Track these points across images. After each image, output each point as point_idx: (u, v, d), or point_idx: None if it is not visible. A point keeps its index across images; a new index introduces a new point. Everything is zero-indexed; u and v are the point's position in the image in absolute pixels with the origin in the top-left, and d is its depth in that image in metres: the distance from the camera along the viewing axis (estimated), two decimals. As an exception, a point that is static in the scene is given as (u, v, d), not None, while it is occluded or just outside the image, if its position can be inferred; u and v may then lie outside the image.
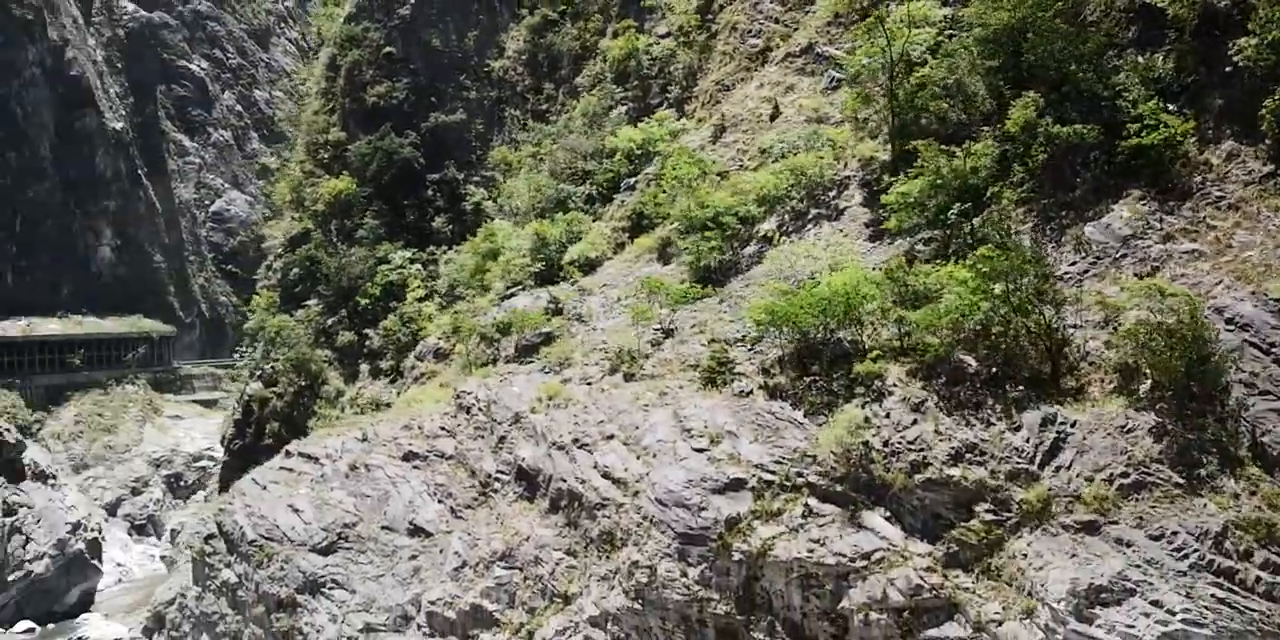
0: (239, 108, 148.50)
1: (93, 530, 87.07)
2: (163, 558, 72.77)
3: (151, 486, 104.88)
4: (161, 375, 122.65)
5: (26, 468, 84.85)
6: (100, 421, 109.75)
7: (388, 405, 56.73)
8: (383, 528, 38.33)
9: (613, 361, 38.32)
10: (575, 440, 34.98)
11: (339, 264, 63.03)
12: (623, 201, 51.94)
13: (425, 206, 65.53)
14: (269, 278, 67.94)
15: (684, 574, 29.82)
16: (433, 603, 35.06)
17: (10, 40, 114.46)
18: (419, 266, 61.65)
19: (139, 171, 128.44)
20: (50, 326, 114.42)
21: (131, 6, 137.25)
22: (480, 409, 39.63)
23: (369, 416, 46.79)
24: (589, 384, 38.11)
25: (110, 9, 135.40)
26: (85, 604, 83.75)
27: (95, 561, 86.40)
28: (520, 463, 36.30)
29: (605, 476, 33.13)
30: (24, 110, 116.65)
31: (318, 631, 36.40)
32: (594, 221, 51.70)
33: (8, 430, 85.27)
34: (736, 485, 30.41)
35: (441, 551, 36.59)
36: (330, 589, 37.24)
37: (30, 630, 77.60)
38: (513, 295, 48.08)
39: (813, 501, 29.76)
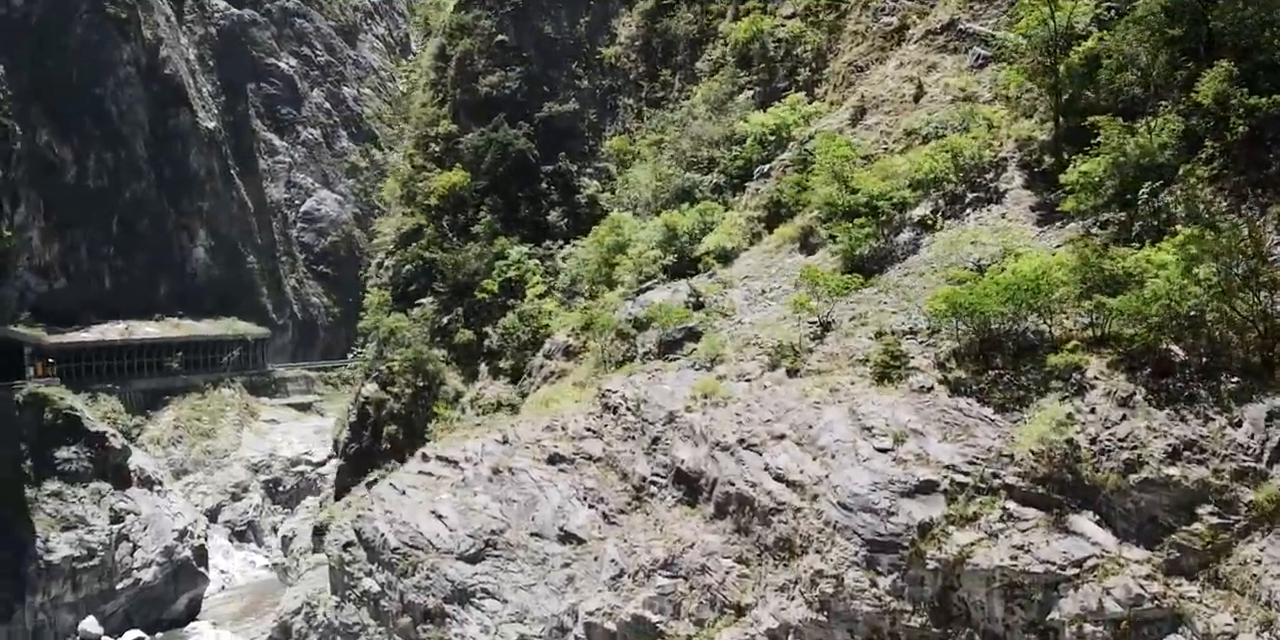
0: (327, 106, 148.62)
1: (199, 537, 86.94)
2: (274, 566, 72.00)
3: (251, 492, 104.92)
4: (256, 378, 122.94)
5: (133, 474, 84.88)
6: (198, 426, 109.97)
7: (511, 407, 55.30)
8: (531, 534, 36.67)
9: (772, 357, 36.28)
10: (741, 441, 32.99)
11: (455, 261, 61.61)
12: (757, 189, 49.75)
13: (539, 200, 63.91)
14: (379, 276, 66.80)
15: (874, 584, 27.74)
16: (590, 613, 33.28)
17: (105, 39, 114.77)
18: (536, 262, 59.98)
19: (231, 170, 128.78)
20: (148, 329, 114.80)
21: (223, 4, 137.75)
22: (628, 408, 37.80)
23: (505, 417, 45.25)
24: (748, 381, 36.09)
25: (202, 7, 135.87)
26: (192, 612, 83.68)
27: (202, 569, 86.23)
28: (679, 465, 34.39)
29: (778, 479, 31.10)
30: (119, 109, 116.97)
31: (469, 643, 34.82)
32: (725, 211, 49.53)
33: (114, 436, 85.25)
34: (927, 488, 28.25)
35: (596, 559, 34.82)
36: (480, 599, 35.67)
37: (140, 640, 77.48)
38: (648, 289, 46.14)
39: (1011, 505, 27.51)
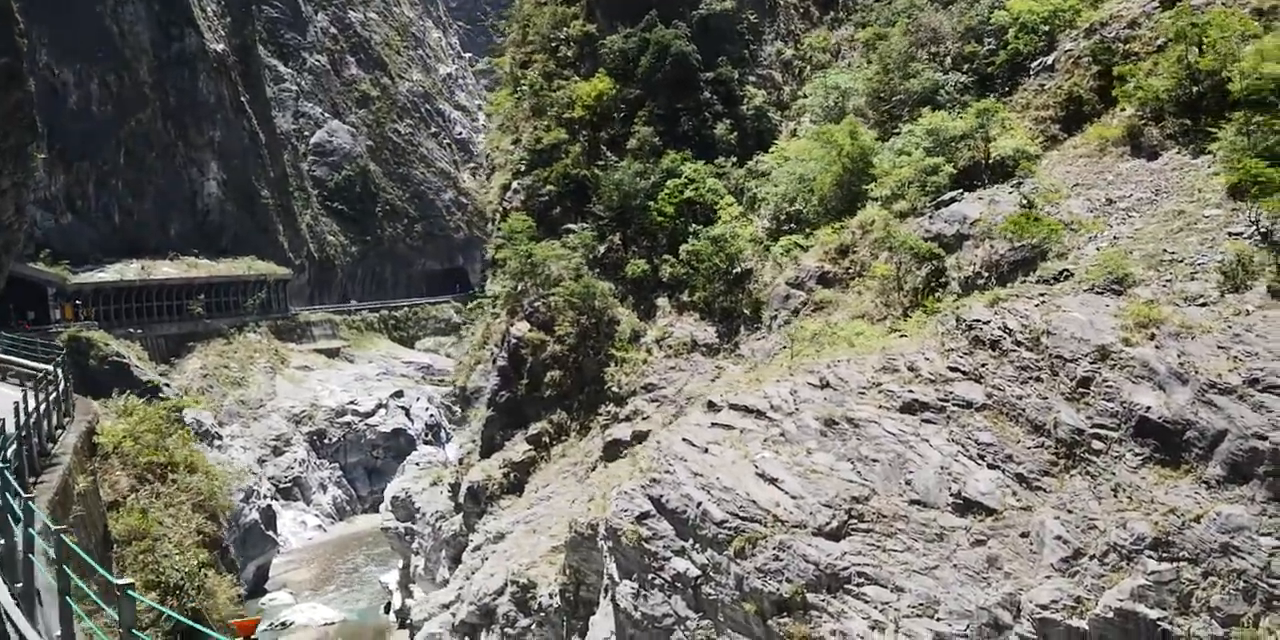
0: (334, 30, 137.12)
1: (265, 497, 77.89)
2: (385, 529, 63.40)
3: (294, 445, 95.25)
4: (281, 323, 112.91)
5: (189, 428, 75.30)
6: (228, 374, 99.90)
7: (708, 347, 47.18)
8: (911, 502, 28.73)
9: (1227, 274, 28.45)
10: (1253, 382, 25.22)
11: (613, 180, 52.79)
12: (1041, 86, 41.70)
13: (702, 111, 55.12)
14: (509, 200, 57.69)
15: None
16: (1044, 607, 25.51)
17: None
18: (715, 180, 51.41)
19: (242, 98, 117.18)
20: (165, 269, 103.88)
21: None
22: (1018, 342, 29.81)
23: (787, 358, 36.93)
24: (1203, 305, 28.24)
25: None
26: (260, 580, 74.68)
27: (270, 533, 77.31)
28: (1141, 413, 26.53)
29: (1344, 431, 23.42)
30: (120, 29, 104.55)
31: (854, 644, 26.91)
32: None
33: (166, 385, 75.57)
34: None
35: (1025, 536, 27.00)
36: (860, 585, 27.72)
37: (215, 612, 68.47)
38: (951, 201, 37.96)
39: None
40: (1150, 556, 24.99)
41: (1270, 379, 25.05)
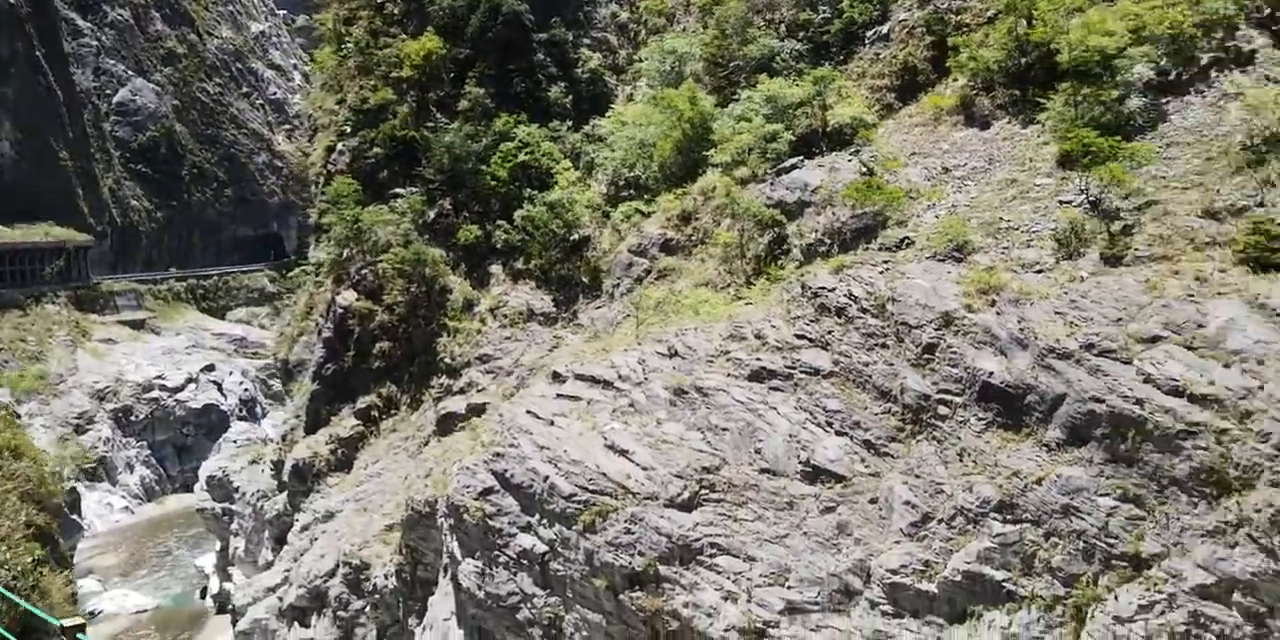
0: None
1: (69, 479, 73.06)
2: (201, 511, 60.25)
3: (98, 423, 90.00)
4: (82, 293, 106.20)
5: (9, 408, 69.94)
6: (25, 348, 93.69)
7: (546, 316, 46.18)
8: (761, 471, 28.54)
9: (1061, 242, 29.09)
10: (1089, 346, 25.79)
11: (444, 143, 50.97)
12: (876, 55, 41.97)
13: (535, 73, 53.70)
14: (333, 163, 55.05)
15: (1377, 524, 21.38)
16: (894, 571, 25.72)
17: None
18: (550, 144, 50.22)
19: (37, 53, 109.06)
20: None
21: None
22: (864, 310, 29.86)
23: (632, 327, 36.22)
24: (1040, 271, 28.81)
25: None
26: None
27: (75, 516, 72.45)
28: (984, 378, 26.89)
29: (1176, 393, 24.13)
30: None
31: (708, 615, 26.62)
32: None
33: (-46, 359, 70.14)
34: None
35: (874, 502, 27.14)
36: (711, 556, 27.41)
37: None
38: (792, 168, 37.83)
39: None
40: (995, 519, 25.40)
41: (1106, 344, 25.68)
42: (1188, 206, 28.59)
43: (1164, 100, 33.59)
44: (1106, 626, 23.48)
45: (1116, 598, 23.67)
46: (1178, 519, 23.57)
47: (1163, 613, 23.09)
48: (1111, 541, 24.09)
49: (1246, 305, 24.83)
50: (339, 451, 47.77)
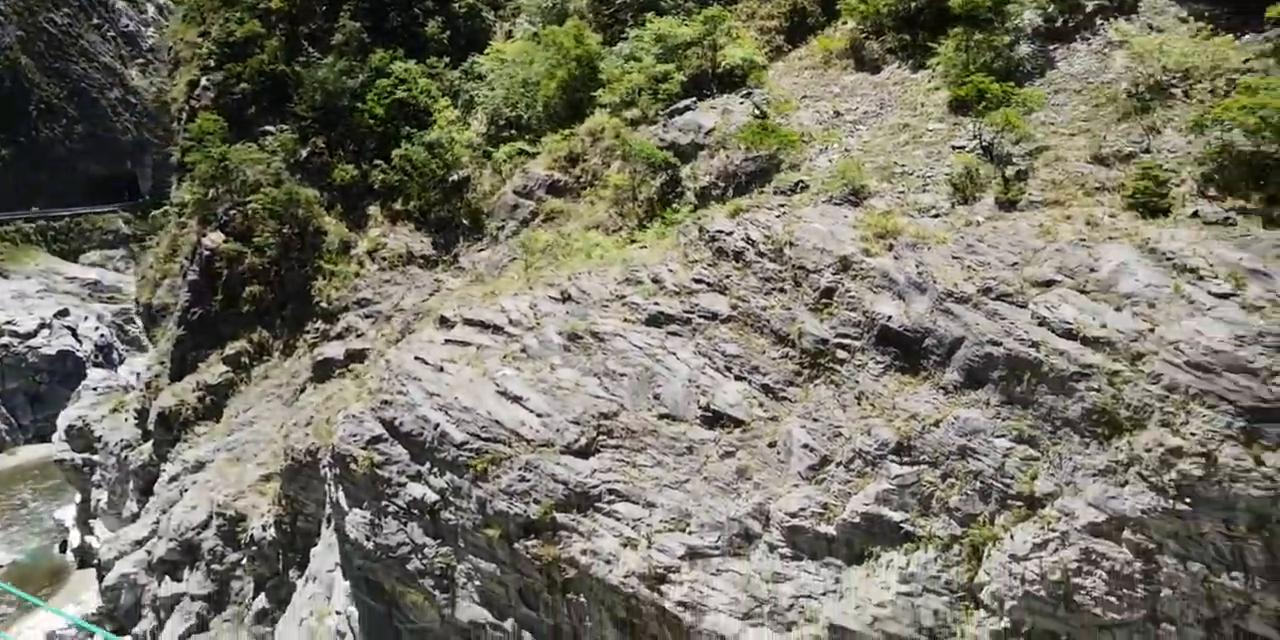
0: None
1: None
2: (59, 462, 57.46)
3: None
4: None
5: None
6: None
7: (426, 259, 44.90)
8: (660, 416, 28.20)
9: (957, 186, 29.19)
10: (986, 290, 25.98)
11: (316, 78, 48.78)
12: (767, -6, 41.43)
13: (412, 6, 51.65)
14: (197, 98, 52.21)
15: (1259, 462, 22.08)
16: (793, 514, 25.77)
17: None
18: (428, 80, 48.48)
19: None
20: None
21: None
22: (762, 253, 29.55)
23: (521, 270, 35.25)
24: (937, 216, 28.87)
25: None
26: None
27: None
28: (883, 322, 26.90)
29: (1070, 336, 24.51)
30: None
31: (607, 562, 26.35)
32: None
33: None
34: (1304, 341, 22.70)
35: (773, 446, 27.07)
36: (610, 502, 27.08)
37: None
38: (685, 110, 37.13)
39: None
40: (893, 461, 25.58)
41: (1003, 288, 25.90)
42: (1077, 152, 28.94)
43: (1051, 47, 33.91)
44: (1002, 565, 23.96)
45: (1012, 537, 24.14)
46: (1071, 459, 24.05)
47: (1056, 551, 23.62)
48: (1007, 482, 24.49)
49: (1137, 249, 25.26)
50: (208, 399, 45.94)
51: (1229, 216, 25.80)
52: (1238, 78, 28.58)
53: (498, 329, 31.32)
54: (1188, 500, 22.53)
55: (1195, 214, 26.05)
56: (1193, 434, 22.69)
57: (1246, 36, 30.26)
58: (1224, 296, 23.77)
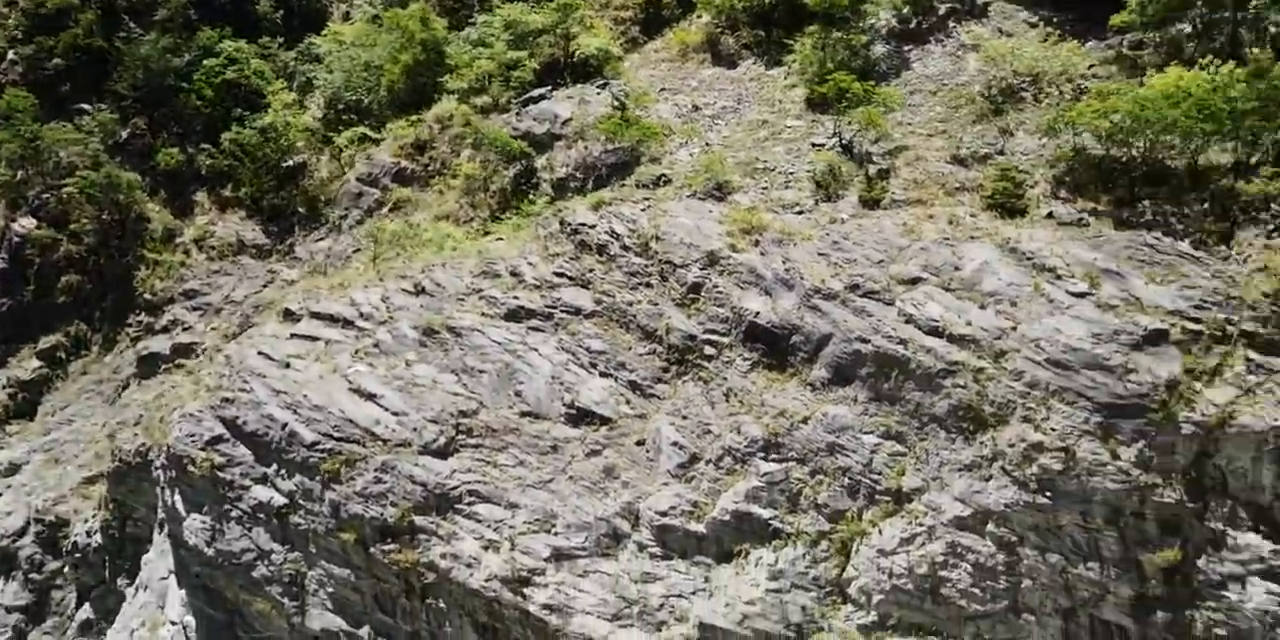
0: None
1: None
2: None
3: None
4: None
5: None
6: None
7: (257, 248, 42.80)
8: (522, 414, 27.38)
9: (821, 183, 29.33)
10: (853, 287, 26.15)
11: (138, 54, 45.87)
12: (619, -15, 40.94)
13: (242, -17, 49.14)
14: (4, 73, 48.31)
15: (1115, 456, 22.87)
16: (663, 513, 25.42)
17: None
18: (261, 61, 46.18)
19: None
20: None
21: None
22: (629, 247, 29.03)
23: (368, 261, 33.71)
24: (800, 212, 28.92)
25: None
26: None
27: None
28: (750, 318, 26.75)
29: (936, 333, 24.88)
30: None
31: (468, 566, 25.48)
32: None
33: None
34: (1156, 338, 23.68)
35: (641, 444, 26.62)
36: (470, 504, 26.18)
37: None
38: (540, 98, 36.26)
39: (1253, 355, 23.66)
40: (762, 458, 25.49)
41: (869, 285, 26.11)
42: (937, 152, 29.50)
43: (906, 48, 34.55)
44: (870, 559, 24.17)
45: (880, 531, 24.39)
46: (937, 454, 24.42)
47: (923, 544, 23.97)
48: (875, 477, 24.69)
49: (998, 248, 25.84)
50: (19, 396, 42.66)
51: (1082, 217, 26.69)
52: (1085, 83, 29.62)
53: (348, 323, 29.88)
54: (1048, 494, 23.17)
55: (1050, 215, 26.83)
56: (1053, 429, 23.34)
57: (1090, 43, 31.46)
58: (1081, 295, 24.53)
